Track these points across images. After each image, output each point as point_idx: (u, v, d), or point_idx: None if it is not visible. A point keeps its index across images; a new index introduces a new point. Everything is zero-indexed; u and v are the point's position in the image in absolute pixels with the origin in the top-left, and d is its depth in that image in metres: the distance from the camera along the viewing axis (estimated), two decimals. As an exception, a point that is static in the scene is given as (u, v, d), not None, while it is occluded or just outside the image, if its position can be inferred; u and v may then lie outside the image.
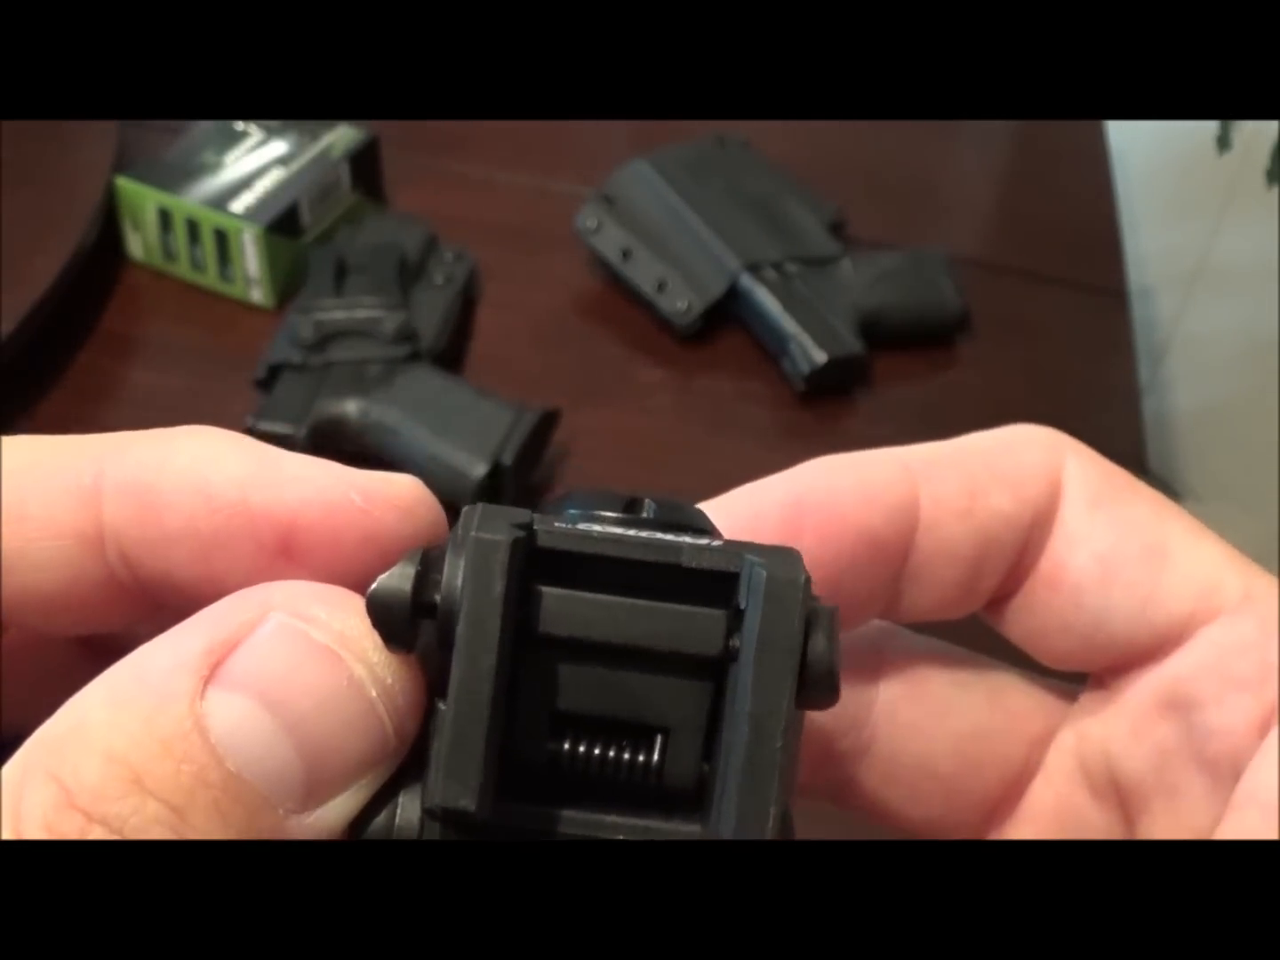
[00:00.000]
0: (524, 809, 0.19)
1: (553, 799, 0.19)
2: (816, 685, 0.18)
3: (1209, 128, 1.03)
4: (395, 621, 0.18)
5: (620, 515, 0.20)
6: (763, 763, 0.18)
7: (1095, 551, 0.22)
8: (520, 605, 0.18)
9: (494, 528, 0.18)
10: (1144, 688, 0.22)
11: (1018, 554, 0.23)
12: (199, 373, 0.73)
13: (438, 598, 0.18)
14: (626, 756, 0.19)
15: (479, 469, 0.64)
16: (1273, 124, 0.95)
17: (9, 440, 0.21)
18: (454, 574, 0.18)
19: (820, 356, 0.72)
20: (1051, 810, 0.24)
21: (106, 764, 0.17)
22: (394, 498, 0.20)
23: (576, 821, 0.19)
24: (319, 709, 0.18)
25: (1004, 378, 0.78)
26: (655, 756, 0.19)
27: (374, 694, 0.18)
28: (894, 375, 0.77)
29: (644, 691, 0.19)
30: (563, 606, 0.18)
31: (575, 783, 0.19)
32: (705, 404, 0.74)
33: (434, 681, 0.19)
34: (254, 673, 0.18)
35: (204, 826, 0.17)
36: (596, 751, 0.19)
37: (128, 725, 0.17)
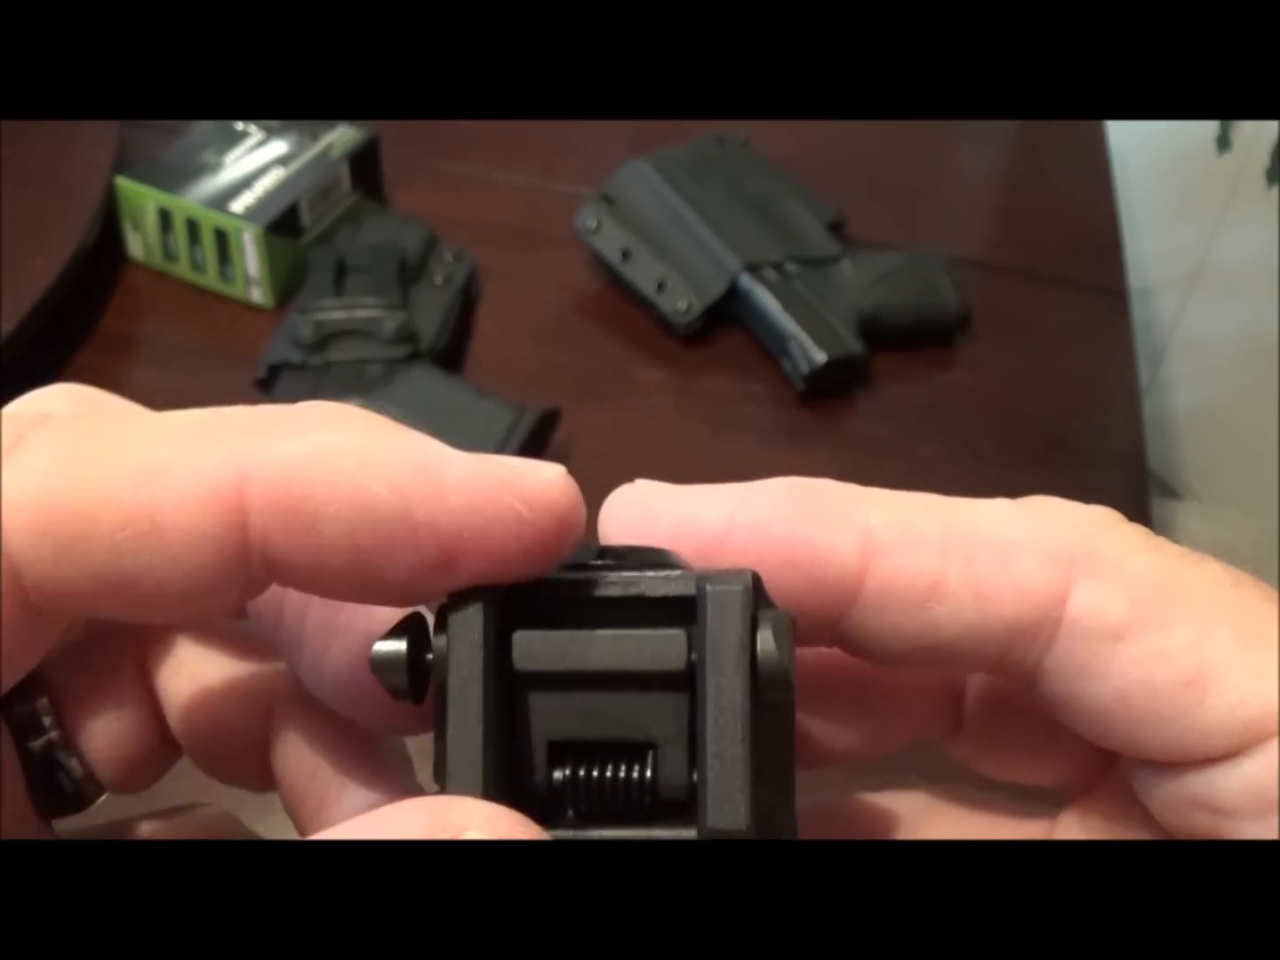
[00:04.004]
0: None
1: (561, 824, 0.20)
2: (771, 681, 0.19)
3: (1209, 128, 1.03)
4: (396, 682, 0.20)
5: (593, 561, 0.21)
6: (728, 755, 0.19)
7: (1117, 689, 0.20)
8: (503, 649, 0.20)
9: (467, 594, 0.20)
10: (1175, 787, 0.21)
11: (991, 666, 0.21)
12: (199, 373, 0.73)
13: (430, 656, 0.20)
14: (621, 775, 0.20)
15: (479, 469, 0.64)
16: (1273, 124, 0.95)
17: (128, 426, 0.19)
18: (440, 641, 0.20)
19: (820, 356, 0.72)
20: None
21: None
22: (555, 506, 0.19)
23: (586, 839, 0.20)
24: None
25: (1004, 378, 0.78)
26: (648, 772, 0.20)
27: None
28: (894, 375, 0.77)
29: (627, 713, 0.20)
30: (540, 646, 0.20)
31: (580, 806, 0.20)
32: (705, 404, 0.74)
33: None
34: None
35: None
36: (595, 774, 0.20)
37: None
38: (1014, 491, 0.22)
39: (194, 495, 0.18)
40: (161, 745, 0.24)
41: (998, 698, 0.24)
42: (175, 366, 0.73)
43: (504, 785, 0.19)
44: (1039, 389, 0.78)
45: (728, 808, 0.19)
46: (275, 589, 0.21)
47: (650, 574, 0.20)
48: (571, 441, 0.69)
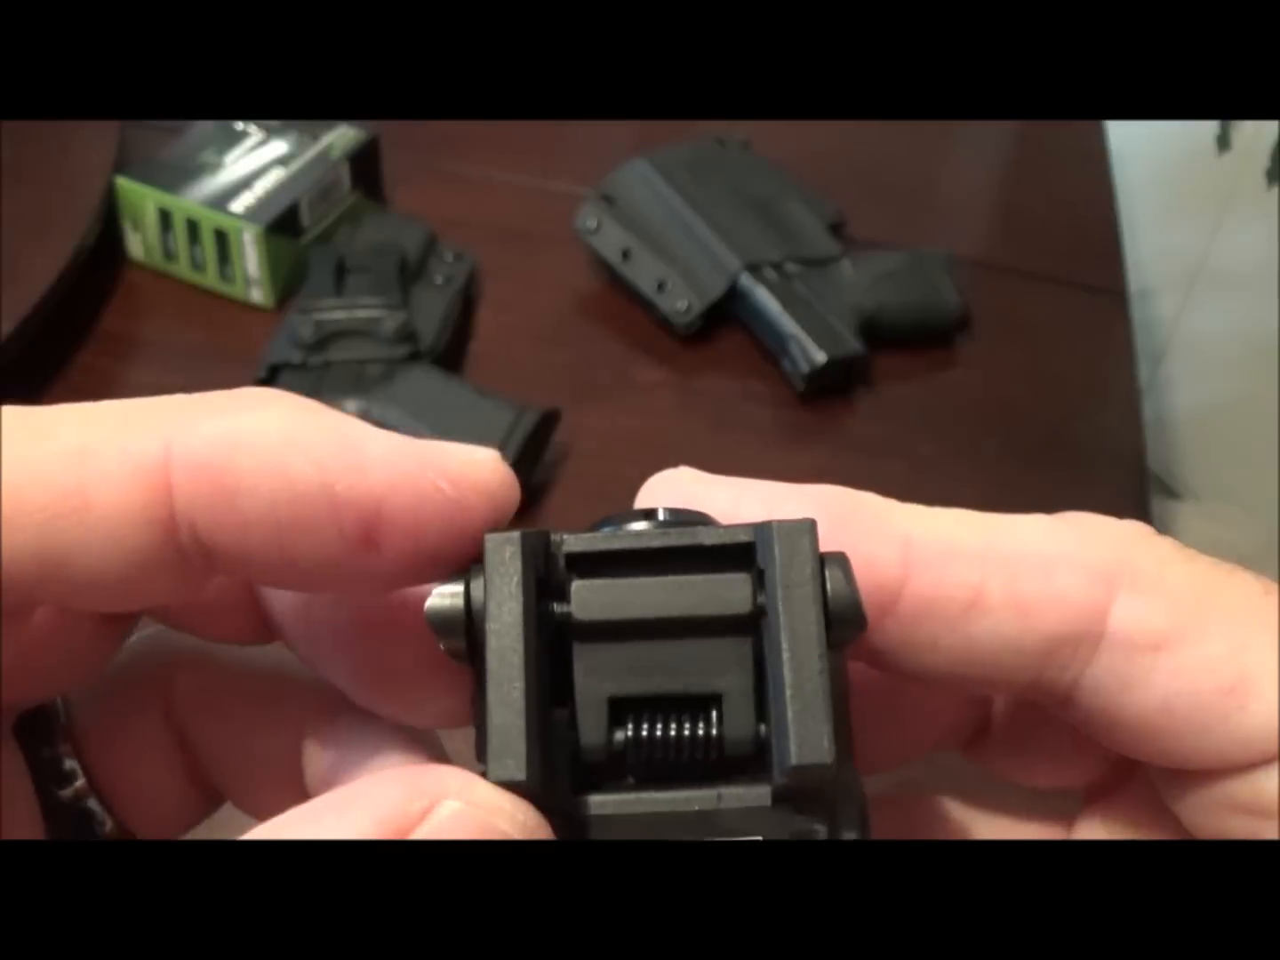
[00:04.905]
0: (600, 799, 0.19)
1: (625, 785, 0.20)
2: (843, 617, 0.19)
3: (1209, 128, 1.03)
4: (454, 637, 0.19)
5: (639, 522, 0.20)
6: (808, 687, 0.18)
7: (1161, 699, 0.20)
8: (549, 599, 0.19)
9: (504, 535, 0.19)
10: (1210, 793, 0.21)
11: (1024, 684, 0.21)
12: (199, 373, 0.73)
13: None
14: (686, 732, 0.19)
15: (479, 469, 0.64)
16: (1273, 124, 0.95)
17: (59, 412, 0.19)
18: (478, 585, 0.19)
19: (820, 356, 0.72)
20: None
21: None
22: (481, 483, 0.19)
23: (650, 801, 0.19)
24: None
25: (1004, 378, 0.78)
26: (714, 729, 0.19)
27: None
28: (894, 375, 0.77)
29: (690, 664, 0.19)
30: (597, 595, 0.19)
31: (642, 767, 0.20)
32: (705, 404, 0.74)
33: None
34: None
35: None
36: (658, 733, 0.19)
37: None
38: (1014, 491, 0.22)
39: (121, 473, 0.19)
40: (193, 791, 0.24)
41: (1024, 705, 0.24)
42: (175, 366, 0.73)
43: (554, 749, 0.19)
44: (1039, 389, 0.78)
45: (811, 741, 0.18)
46: (324, 606, 0.21)
47: (703, 527, 0.20)
48: (571, 441, 0.69)
